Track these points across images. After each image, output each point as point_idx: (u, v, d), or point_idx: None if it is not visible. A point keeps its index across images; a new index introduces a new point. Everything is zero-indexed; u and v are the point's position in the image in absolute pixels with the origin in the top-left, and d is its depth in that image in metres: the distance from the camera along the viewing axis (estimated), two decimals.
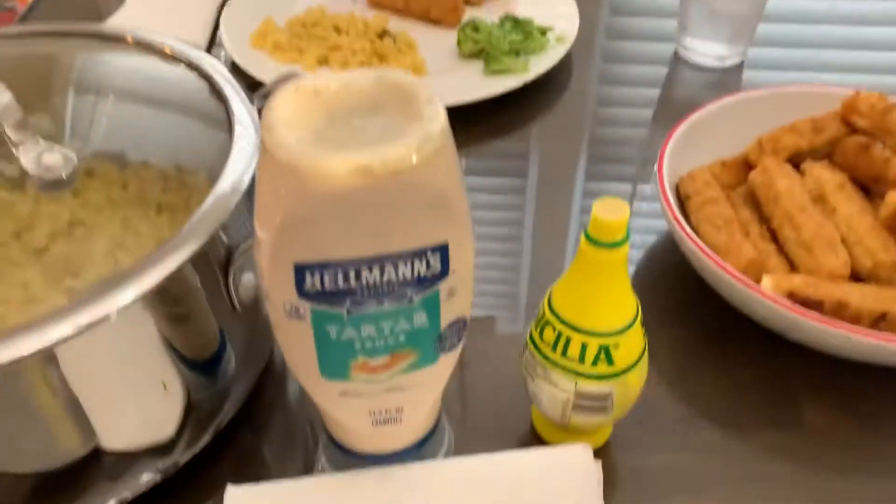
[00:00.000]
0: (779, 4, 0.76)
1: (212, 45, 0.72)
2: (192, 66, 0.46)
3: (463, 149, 0.61)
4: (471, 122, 0.63)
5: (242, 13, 0.72)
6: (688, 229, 0.45)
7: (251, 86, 0.64)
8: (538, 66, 0.65)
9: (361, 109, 0.28)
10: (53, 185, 0.39)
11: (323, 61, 0.66)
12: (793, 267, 0.46)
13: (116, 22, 0.73)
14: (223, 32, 0.69)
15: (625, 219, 0.32)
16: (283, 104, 0.27)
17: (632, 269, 0.52)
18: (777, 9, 0.75)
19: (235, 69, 0.66)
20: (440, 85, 0.64)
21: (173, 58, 0.46)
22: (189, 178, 0.41)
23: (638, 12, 0.81)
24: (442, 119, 0.27)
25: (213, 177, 0.37)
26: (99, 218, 0.40)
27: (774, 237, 0.48)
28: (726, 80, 0.70)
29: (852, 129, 0.51)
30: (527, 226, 0.56)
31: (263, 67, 0.65)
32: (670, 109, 0.67)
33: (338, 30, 0.69)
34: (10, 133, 0.38)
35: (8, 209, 0.39)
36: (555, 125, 0.65)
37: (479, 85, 0.63)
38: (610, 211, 0.32)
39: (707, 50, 0.70)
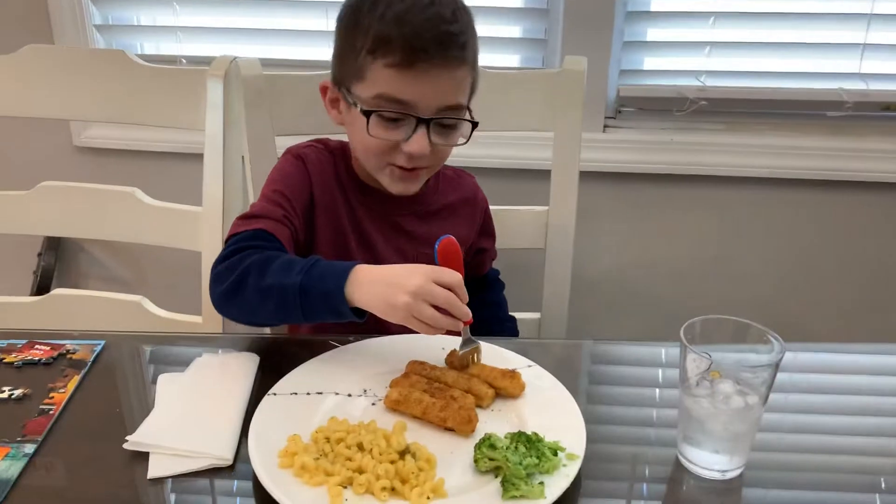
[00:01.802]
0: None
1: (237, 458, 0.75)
2: None
3: None
4: None
5: (268, 425, 0.76)
6: None
7: None
8: (552, 487, 0.69)
9: None
10: None
11: (347, 483, 0.69)
12: None
13: (143, 432, 0.77)
14: (251, 450, 0.72)
15: None
16: None
17: None
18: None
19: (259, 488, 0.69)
20: None
21: None
22: None
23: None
24: None
25: None
26: None
27: None
28: (728, 488, 0.74)
29: None
30: None
31: (289, 491, 0.68)
32: None
33: (361, 447, 0.73)
34: None
35: None
36: None
37: None
38: None
39: (707, 463, 0.74)
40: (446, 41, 0.93)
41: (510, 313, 1.27)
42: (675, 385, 0.76)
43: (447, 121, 0.98)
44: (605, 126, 1.67)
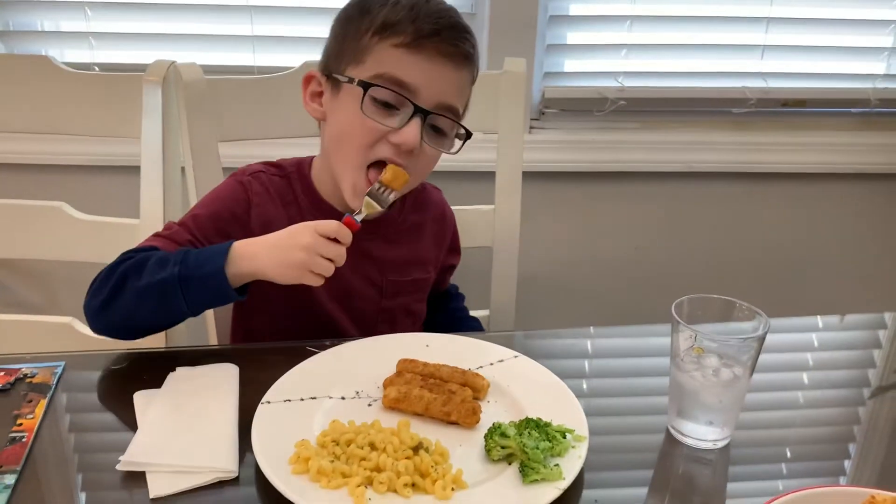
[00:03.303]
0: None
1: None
2: None
3: None
4: None
5: (270, 434, 0.74)
6: None
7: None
8: (567, 468, 0.71)
9: None
10: None
11: (366, 483, 0.68)
12: None
13: (135, 451, 0.73)
14: (260, 460, 0.70)
15: None
16: None
17: None
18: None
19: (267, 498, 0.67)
20: (479, 501, 0.69)
21: None
22: None
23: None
24: None
25: None
26: None
27: None
28: (719, 456, 0.79)
29: None
30: None
31: (309, 497, 0.66)
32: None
33: (373, 446, 0.72)
34: None
35: None
36: None
37: (519, 498, 0.69)
38: None
39: (701, 434, 0.78)
40: (459, 34, 0.93)
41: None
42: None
43: (441, 121, 0.95)
44: (531, 127, 1.72)
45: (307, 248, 0.84)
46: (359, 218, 0.89)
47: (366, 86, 0.91)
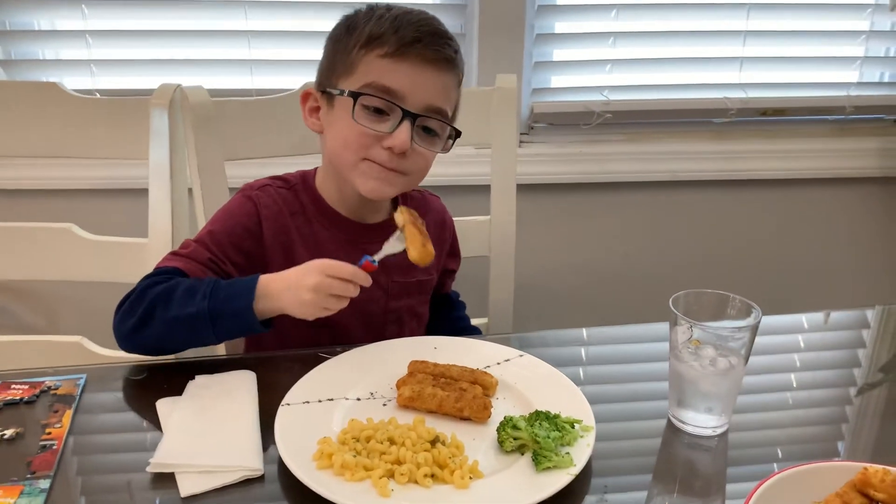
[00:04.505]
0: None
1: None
2: None
3: None
4: None
5: (291, 433, 0.78)
6: None
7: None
8: (578, 456, 0.75)
9: None
10: None
11: (388, 475, 0.72)
12: None
13: (164, 453, 0.76)
14: (285, 457, 0.74)
15: None
16: None
17: None
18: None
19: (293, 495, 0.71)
20: (496, 489, 0.72)
21: None
22: None
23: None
24: None
25: None
26: None
27: None
28: (719, 442, 0.83)
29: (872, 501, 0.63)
30: None
31: (335, 490, 0.70)
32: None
33: (392, 441, 0.76)
34: None
35: None
36: None
37: (533, 485, 0.72)
38: None
39: (701, 422, 0.83)
40: (440, 39, 0.99)
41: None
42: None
43: (430, 122, 1.00)
44: (521, 142, 1.77)
45: (314, 289, 0.89)
46: (377, 258, 0.93)
47: (355, 95, 0.97)
